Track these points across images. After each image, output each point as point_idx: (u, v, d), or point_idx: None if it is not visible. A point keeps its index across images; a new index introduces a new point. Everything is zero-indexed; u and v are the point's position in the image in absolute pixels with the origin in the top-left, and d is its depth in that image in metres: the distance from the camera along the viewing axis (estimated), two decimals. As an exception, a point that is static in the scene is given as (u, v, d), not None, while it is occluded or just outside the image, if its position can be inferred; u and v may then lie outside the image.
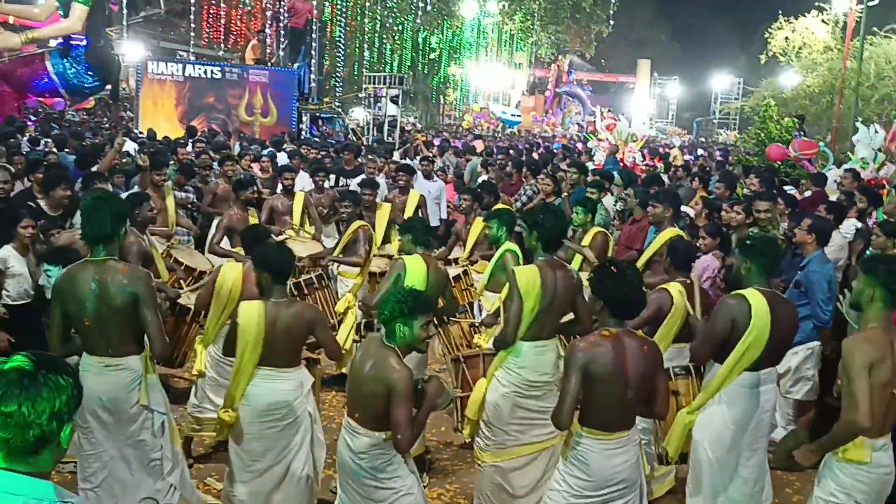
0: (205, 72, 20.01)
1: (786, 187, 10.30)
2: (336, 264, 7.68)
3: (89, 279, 4.02)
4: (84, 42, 17.68)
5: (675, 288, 5.10)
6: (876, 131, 11.29)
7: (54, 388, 1.94)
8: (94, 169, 8.50)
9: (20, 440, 1.92)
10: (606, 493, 3.68)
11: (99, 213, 4.07)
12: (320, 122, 22.52)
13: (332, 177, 11.15)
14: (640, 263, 6.53)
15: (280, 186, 9.26)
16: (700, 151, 23.02)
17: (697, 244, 6.68)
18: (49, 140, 13.32)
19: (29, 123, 16.55)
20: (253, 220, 7.89)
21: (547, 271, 4.61)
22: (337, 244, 7.87)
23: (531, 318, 4.58)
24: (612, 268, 3.74)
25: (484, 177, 12.02)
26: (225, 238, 7.49)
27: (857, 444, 3.58)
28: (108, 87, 16.76)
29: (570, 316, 4.89)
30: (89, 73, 17.18)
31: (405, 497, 3.81)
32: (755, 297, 4.22)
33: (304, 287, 6.67)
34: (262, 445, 4.43)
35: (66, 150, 11.44)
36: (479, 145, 20.40)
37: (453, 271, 7.18)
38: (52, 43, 17.56)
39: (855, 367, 3.51)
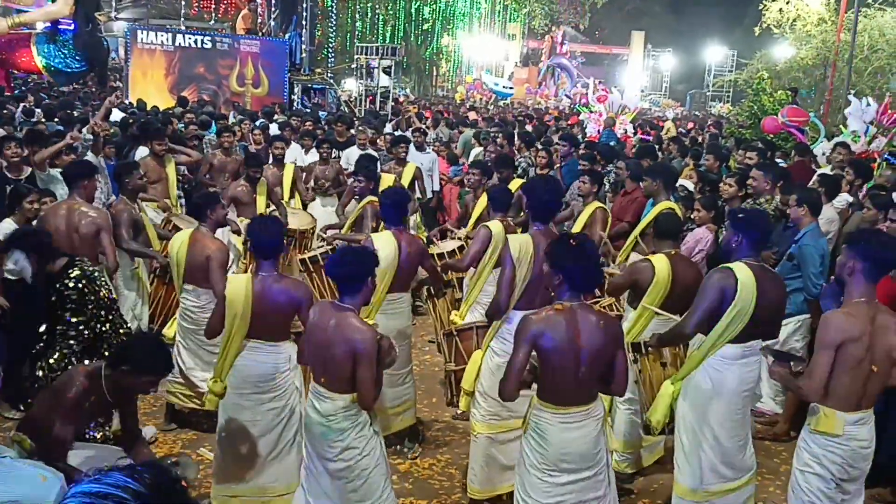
0: (195, 41, 19.79)
1: (777, 160, 10.30)
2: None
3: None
4: (72, 27, 17.52)
5: (659, 260, 5.10)
6: (868, 104, 11.27)
7: None
8: (84, 129, 8.42)
9: None
10: (566, 466, 3.67)
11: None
12: (312, 94, 22.36)
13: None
14: (633, 236, 6.55)
15: (270, 157, 9.20)
16: (689, 125, 22.95)
17: (692, 216, 6.71)
18: (39, 110, 13.20)
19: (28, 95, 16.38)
20: (261, 196, 7.88)
21: (540, 240, 4.61)
22: (339, 220, 7.83)
23: (523, 286, 4.59)
24: (571, 241, 3.70)
25: (477, 149, 11.96)
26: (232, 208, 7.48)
27: (829, 415, 3.62)
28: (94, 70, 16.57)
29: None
30: (76, 58, 17.05)
31: (366, 458, 3.89)
32: (742, 271, 4.23)
33: (309, 264, 6.64)
34: (250, 416, 4.50)
35: (56, 119, 11.31)
36: (472, 116, 20.30)
37: (451, 244, 7.19)
38: (40, 26, 17.38)
39: (823, 341, 3.58)
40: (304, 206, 8.89)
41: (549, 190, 4.76)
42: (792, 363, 3.74)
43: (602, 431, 3.78)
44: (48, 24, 17.54)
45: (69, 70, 16.59)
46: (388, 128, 14.39)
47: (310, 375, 4.09)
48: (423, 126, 13.46)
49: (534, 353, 3.62)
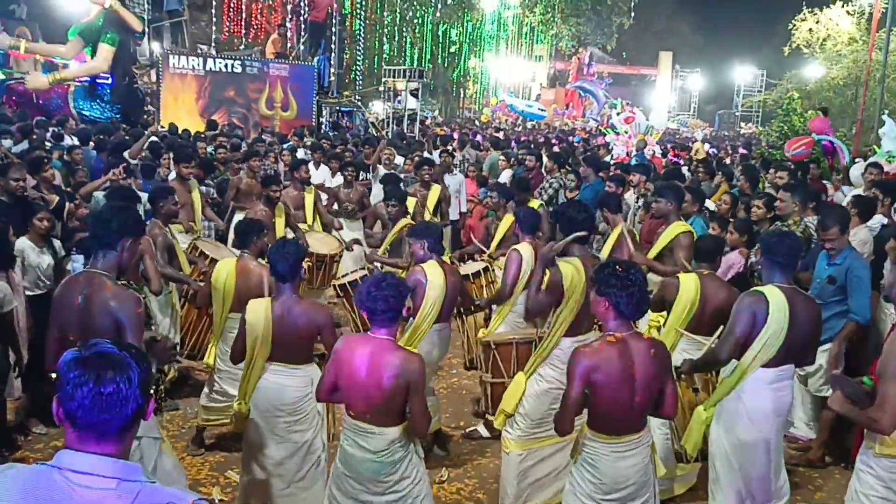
0: (225, 65, 20.08)
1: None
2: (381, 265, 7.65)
3: (78, 292, 3.76)
4: (109, 80, 18.00)
5: (688, 278, 5.05)
6: (902, 124, 11.13)
7: (138, 363, 2.00)
8: (125, 154, 8.57)
9: (120, 418, 1.96)
10: (617, 496, 3.64)
11: (106, 218, 3.88)
12: (340, 116, 22.55)
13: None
14: (650, 257, 6.49)
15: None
16: (711, 149, 22.81)
17: (724, 237, 6.62)
18: (68, 136, 13.41)
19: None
20: (280, 218, 7.93)
21: (585, 266, 4.63)
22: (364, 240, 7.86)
23: (573, 314, 4.59)
24: (617, 267, 3.60)
25: (507, 171, 11.97)
26: None
27: (894, 438, 3.52)
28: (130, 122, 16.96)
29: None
30: (113, 110, 17.53)
31: (419, 485, 3.84)
32: (773, 294, 4.17)
33: (347, 289, 6.60)
34: (275, 439, 4.50)
35: (91, 144, 11.50)
36: (501, 138, 20.34)
37: (475, 266, 7.18)
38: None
39: (893, 368, 3.40)
40: (326, 230, 8.89)
41: (579, 213, 4.77)
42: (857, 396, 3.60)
43: (651, 459, 3.74)
44: (87, 79, 18.02)
45: (104, 119, 17.04)
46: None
47: (332, 410, 4.01)
48: (451, 147, 13.51)
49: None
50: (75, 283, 3.83)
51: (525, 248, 5.84)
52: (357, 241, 8.46)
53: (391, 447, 3.73)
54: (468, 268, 7.25)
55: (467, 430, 6.21)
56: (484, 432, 6.12)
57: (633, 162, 13.27)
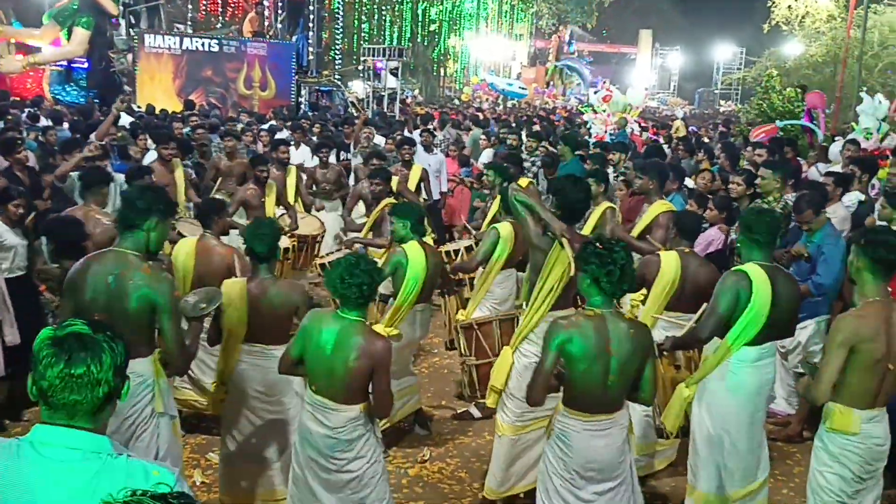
0: (202, 44, 19.84)
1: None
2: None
3: (107, 271, 3.66)
4: (85, 65, 17.72)
5: (669, 255, 5.06)
6: (880, 101, 11.20)
7: (112, 345, 2.03)
8: (92, 137, 8.44)
9: (91, 399, 1.99)
10: (589, 474, 3.64)
11: (134, 199, 3.78)
12: (320, 96, 22.36)
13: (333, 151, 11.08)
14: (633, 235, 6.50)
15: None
16: (692, 128, 22.88)
17: (703, 214, 6.64)
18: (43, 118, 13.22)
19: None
20: (270, 197, 7.87)
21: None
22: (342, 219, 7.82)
23: (560, 290, 4.52)
24: (600, 244, 3.59)
25: (488, 150, 11.92)
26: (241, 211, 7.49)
27: (844, 413, 3.60)
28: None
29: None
30: (89, 94, 17.29)
31: (374, 465, 3.83)
32: (756, 272, 4.19)
33: (328, 268, 6.57)
34: (253, 420, 4.48)
35: (66, 125, 11.33)
36: (481, 117, 20.28)
37: (461, 244, 7.17)
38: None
39: (833, 343, 3.54)
40: (307, 210, 8.86)
41: (579, 190, 4.69)
42: None
43: (626, 440, 3.73)
44: (62, 63, 17.72)
45: (79, 103, 16.81)
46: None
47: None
48: (432, 127, 13.44)
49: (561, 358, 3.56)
50: (102, 261, 3.72)
51: (504, 227, 5.81)
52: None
53: (349, 424, 3.73)
54: (453, 245, 7.24)
55: (459, 412, 6.19)
56: (476, 413, 6.11)
57: (612, 140, 13.27)
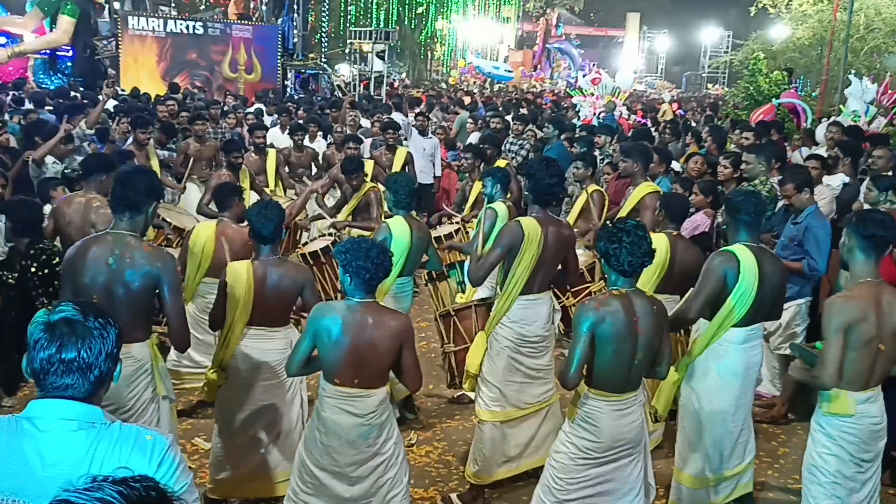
0: (186, 27, 19.62)
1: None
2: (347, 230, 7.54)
3: (107, 253, 3.65)
4: (70, 53, 17.46)
5: (658, 238, 5.07)
6: (867, 85, 11.23)
7: (103, 330, 2.08)
8: (82, 124, 8.38)
9: (82, 383, 2.05)
10: (613, 454, 3.68)
11: (132, 181, 3.77)
12: (308, 79, 22.18)
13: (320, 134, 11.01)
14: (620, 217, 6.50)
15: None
16: (678, 110, 22.86)
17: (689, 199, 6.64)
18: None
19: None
20: (244, 182, 7.81)
21: (545, 224, 4.57)
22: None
23: (528, 272, 4.52)
24: (617, 227, 3.62)
25: (475, 133, 11.88)
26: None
27: (840, 396, 3.61)
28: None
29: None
30: (75, 82, 17.09)
31: (399, 444, 3.85)
32: (743, 253, 4.20)
33: (310, 259, 6.51)
34: (252, 405, 4.44)
35: (49, 108, 11.21)
36: (467, 100, 20.20)
37: (448, 228, 7.14)
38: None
39: (830, 327, 3.55)
40: (286, 193, 8.82)
41: (552, 174, 4.67)
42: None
43: (644, 416, 3.79)
44: (47, 52, 17.47)
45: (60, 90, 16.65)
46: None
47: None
48: (422, 109, 13.38)
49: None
50: (101, 243, 3.71)
51: (500, 207, 5.82)
52: (320, 217, 8.32)
53: (379, 408, 3.73)
54: (441, 230, 7.21)
55: (456, 395, 6.18)
56: (473, 395, 6.10)
57: (599, 123, 13.25)
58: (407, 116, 12.97)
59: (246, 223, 4.71)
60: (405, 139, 10.95)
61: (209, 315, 4.58)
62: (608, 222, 3.72)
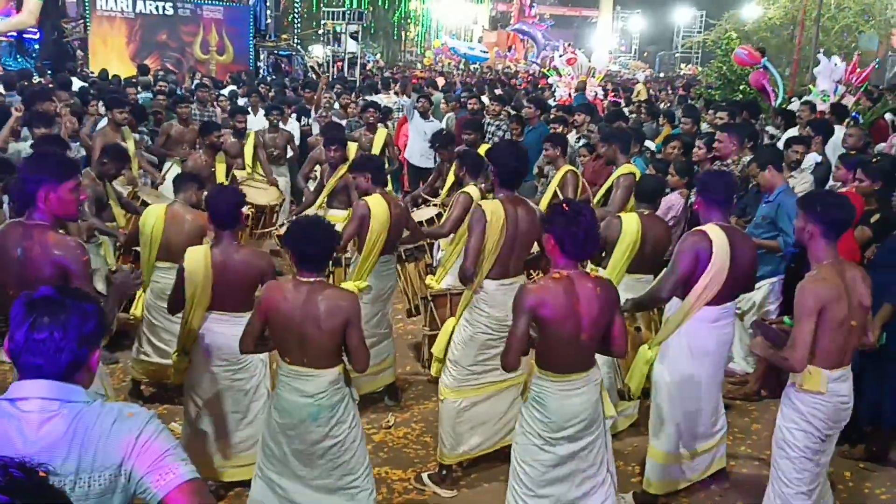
0: (156, 7, 19.30)
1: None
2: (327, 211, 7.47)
3: (15, 243, 3.58)
4: (37, 35, 17.06)
5: (630, 217, 5.10)
6: (836, 64, 11.32)
7: (81, 315, 2.05)
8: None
9: (53, 365, 2.02)
10: (567, 433, 3.68)
11: (22, 173, 3.64)
12: (279, 60, 21.96)
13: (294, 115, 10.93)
14: (595, 200, 6.53)
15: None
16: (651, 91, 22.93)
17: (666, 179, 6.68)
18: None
19: None
20: (220, 164, 7.74)
21: (508, 207, 4.54)
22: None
23: (496, 254, 4.53)
24: (565, 206, 3.60)
25: (450, 114, 11.82)
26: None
27: (814, 374, 3.66)
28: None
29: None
30: (43, 65, 16.73)
31: (355, 429, 3.84)
32: (715, 232, 4.25)
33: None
34: (217, 389, 4.44)
35: (15, 90, 11.00)
36: (440, 82, 20.12)
37: (427, 213, 7.12)
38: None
39: (803, 311, 3.58)
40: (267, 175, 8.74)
41: (515, 156, 4.66)
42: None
43: (601, 396, 3.77)
44: (13, 34, 17.08)
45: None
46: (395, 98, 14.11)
47: (275, 359, 3.95)
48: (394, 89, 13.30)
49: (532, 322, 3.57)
50: (10, 234, 3.64)
51: (475, 191, 5.81)
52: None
53: (329, 388, 3.71)
54: (420, 214, 7.19)
55: (433, 377, 6.17)
56: None
57: (575, 104, 13.23)
58: (409, 97, 12.86)
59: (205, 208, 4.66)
60: (409, 120, 10.91)
61: (167, 300, 4.55)
62: (563, 204, 3.64)
